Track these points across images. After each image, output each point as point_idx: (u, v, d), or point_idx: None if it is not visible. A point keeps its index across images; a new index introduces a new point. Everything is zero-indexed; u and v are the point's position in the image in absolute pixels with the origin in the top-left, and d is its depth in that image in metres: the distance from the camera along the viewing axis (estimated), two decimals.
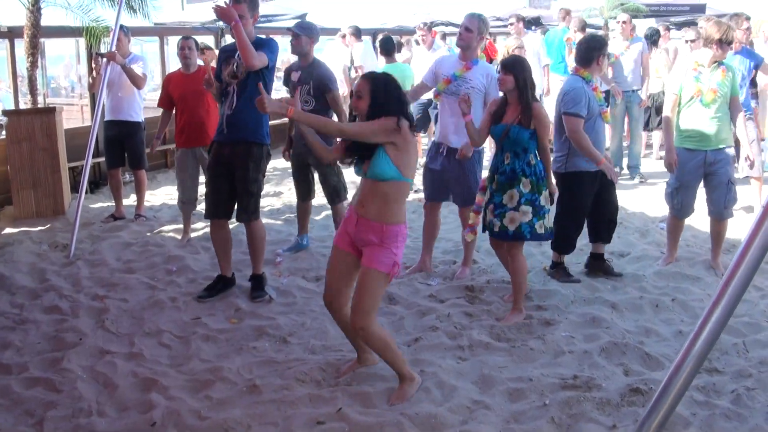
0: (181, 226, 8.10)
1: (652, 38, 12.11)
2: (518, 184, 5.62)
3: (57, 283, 6.56)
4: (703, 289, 6.28)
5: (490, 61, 11.12)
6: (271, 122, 6.28)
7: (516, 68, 5.62)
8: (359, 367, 4.79)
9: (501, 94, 5.89)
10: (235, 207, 6.19)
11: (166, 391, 4.54)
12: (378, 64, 11.68)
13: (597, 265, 6.69)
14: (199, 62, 8.27)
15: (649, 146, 13.13)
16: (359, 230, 4.43)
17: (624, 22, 11.22)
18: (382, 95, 4.33)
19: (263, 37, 6.21)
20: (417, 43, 13.02)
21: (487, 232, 5.92)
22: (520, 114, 5.60)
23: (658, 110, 12.12)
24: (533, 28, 17.14)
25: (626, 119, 11.49)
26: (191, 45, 8.00)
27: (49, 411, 4.34)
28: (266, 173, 6.40)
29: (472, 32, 6.38)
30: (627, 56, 10.99)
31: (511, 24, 12.51)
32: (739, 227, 7.62)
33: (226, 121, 5.99)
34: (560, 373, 4.72)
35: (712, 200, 6.62)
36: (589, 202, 6.43)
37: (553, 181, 5.79)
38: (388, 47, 10.33)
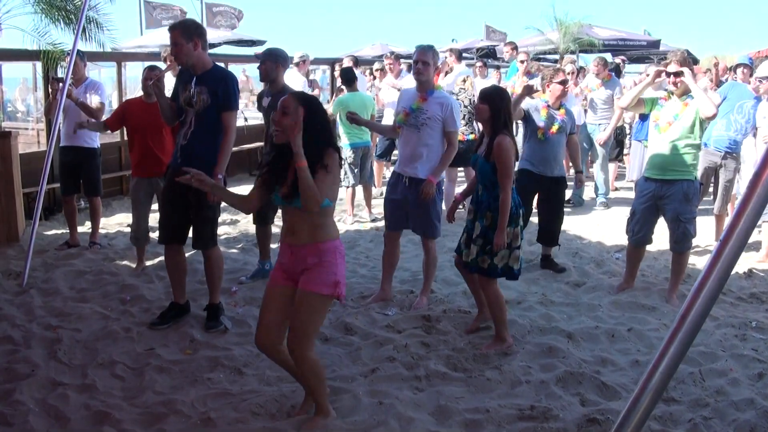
0: (135, 253, 7.99)
1: (616, 72, 12.49)
2: (482, 217, 5.64)
3: (9, 312, 6.43)
4: (659, 319, 6.34)
5: None
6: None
7: (492, 98, 5.61)
8: (310, 407, 4.64)
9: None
10: (191, 235, 6.15)
11: (119, 425, 4.46)
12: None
13: None
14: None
15: None
16: (295, 259, 4.29)
17: (597, 65, 11.74)
18: (315, 121, 4.19)
19: (223, 68, 6.17)
20: (371, 74, 13.47)
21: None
22: (487, 146, 5.63)
23: (619, 143, 12.42)
24: (489, 60, 17.41)
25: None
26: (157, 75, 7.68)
27: None
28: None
29: (429, 65, 6.45)
30: (598, 93, 11.44)
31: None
32: (696, 259, 7.74)
33: (181, 150, 5.94)
34: (517, 404, 4.72)
35: (669, 234, 6.73)
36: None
37: (503, 232, 5.53)
38: (349, 77, 10.56)
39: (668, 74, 6.56)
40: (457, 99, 9.64)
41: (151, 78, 6.52)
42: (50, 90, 8.81)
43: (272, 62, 7.05)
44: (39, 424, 4.51)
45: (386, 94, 11.78)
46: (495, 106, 5.56)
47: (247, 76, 23.73)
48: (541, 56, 20.22)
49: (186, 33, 5.81)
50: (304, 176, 4.05)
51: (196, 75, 5.90)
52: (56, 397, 4.86)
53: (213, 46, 19.30)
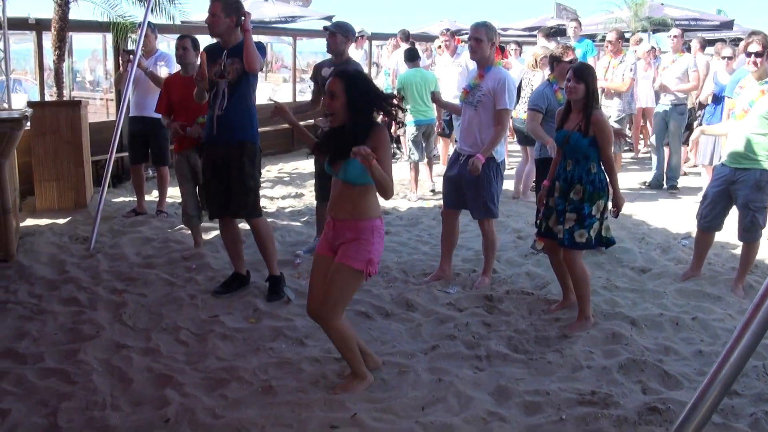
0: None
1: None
2: (573, 191, 5.64)
3: (76, 275, 6.58)
4: (725, 309, 6.19)
5: None
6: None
7: (586, 76, 5.61)
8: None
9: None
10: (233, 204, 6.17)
11: (181, 388, 4.54)
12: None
13: None
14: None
15: None
16: (336, 232, 4.43)
17: (675, 37, 11.20)
18: (356, 93, 4.28)
19: (257, 41, 6.18)
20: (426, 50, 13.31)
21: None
22: (582, 121, 5.61)
23: (687, 127, 12.09)
24: (558, 39, 17.07)
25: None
26: (186, 45, 7.40)
27: (63, 402, 4.35)
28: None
29: (482, 41, 6.39)
30: (671, 70, 10.93)
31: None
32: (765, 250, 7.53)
33: (217, 121, 5.98)
34: (578, 388, 4.67)
35: (737, 222, 6.57)
36: None
37: (619, 193, 5.72)
38: (413, 55, 10.69)
39: (747, 54, 6.41)
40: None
41: (181, 47, 7.26)
42: (120, 62, 8.93)
43: (342, 35, 7.11)
44: (102, 384, 4.61)
45: (441, 72, 11.69)
46: (590, 84, 5.58)
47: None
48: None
49: (227, 8, 5.90)
50: (376, 173, 4.10)
51: (227, 48, 5.97)
52: (120, 359, 4.97)
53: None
